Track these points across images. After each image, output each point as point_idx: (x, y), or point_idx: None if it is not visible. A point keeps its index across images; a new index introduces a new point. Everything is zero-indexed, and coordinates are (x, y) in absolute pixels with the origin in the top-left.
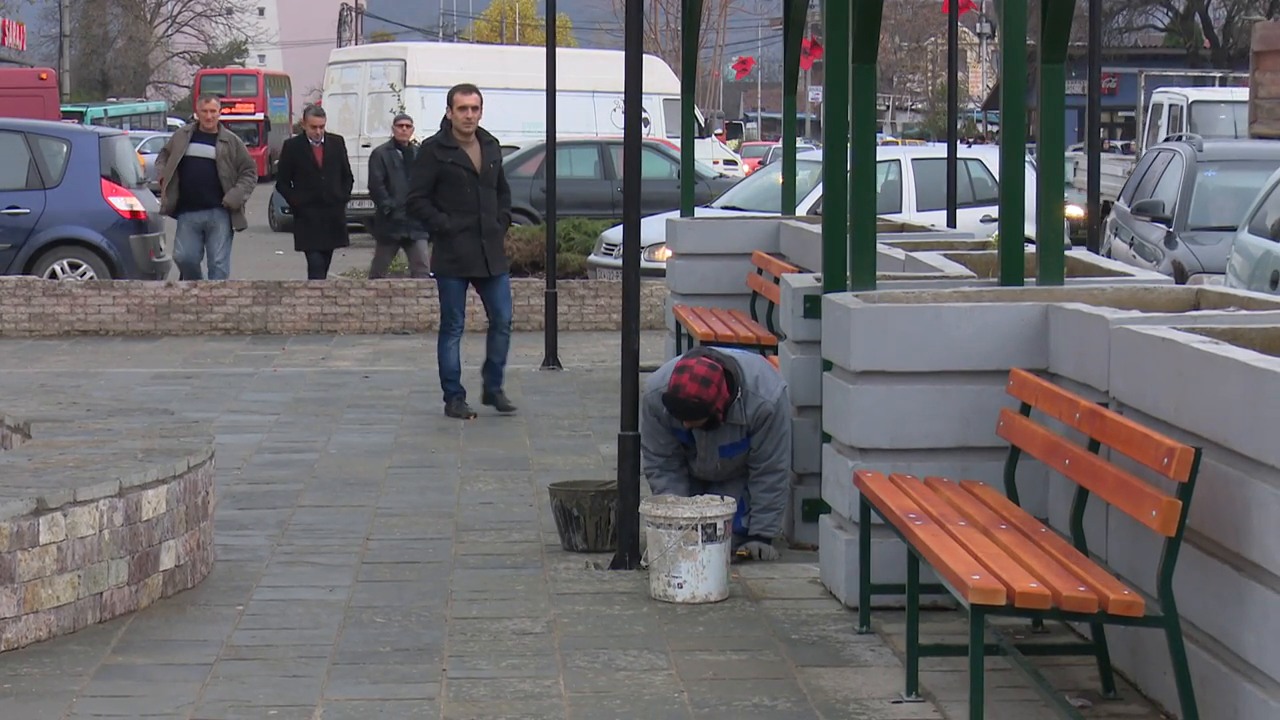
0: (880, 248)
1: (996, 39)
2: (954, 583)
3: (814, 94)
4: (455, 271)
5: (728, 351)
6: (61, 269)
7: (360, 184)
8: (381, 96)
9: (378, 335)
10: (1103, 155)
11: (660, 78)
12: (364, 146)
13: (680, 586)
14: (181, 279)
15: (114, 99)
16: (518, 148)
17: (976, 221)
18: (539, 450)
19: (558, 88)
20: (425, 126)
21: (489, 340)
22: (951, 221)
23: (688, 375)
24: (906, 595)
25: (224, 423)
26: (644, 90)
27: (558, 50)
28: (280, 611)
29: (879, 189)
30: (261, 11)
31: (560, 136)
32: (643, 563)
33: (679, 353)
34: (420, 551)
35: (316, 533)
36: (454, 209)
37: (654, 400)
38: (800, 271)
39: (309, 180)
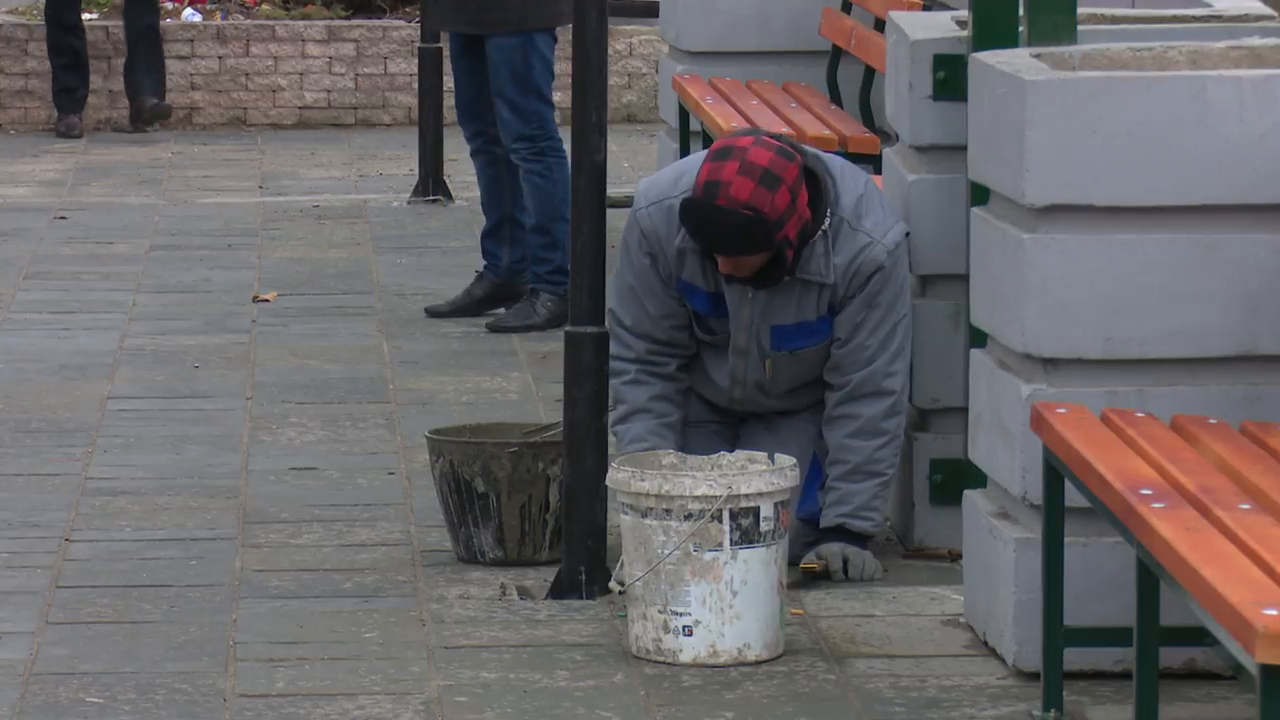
0: None
1: None
2: (1228, 624)
3: None
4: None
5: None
6: None
7: None
8: None
9: (83, 138)
10: None
11: None
12: None
13: (688, 632)
14: None
15: None
16: None
17: None
18: (406, 362)
19: None
20: None
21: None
22: None
23: (736, 163)
24: (1135, 649)
25: None
26: None
27: None
28: None
29: None
30: None
31: None
32: (613, 585)
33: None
34: (174, 566)
35: None
36: None
37: (654, 217)
38: (928, 8)
39: None
